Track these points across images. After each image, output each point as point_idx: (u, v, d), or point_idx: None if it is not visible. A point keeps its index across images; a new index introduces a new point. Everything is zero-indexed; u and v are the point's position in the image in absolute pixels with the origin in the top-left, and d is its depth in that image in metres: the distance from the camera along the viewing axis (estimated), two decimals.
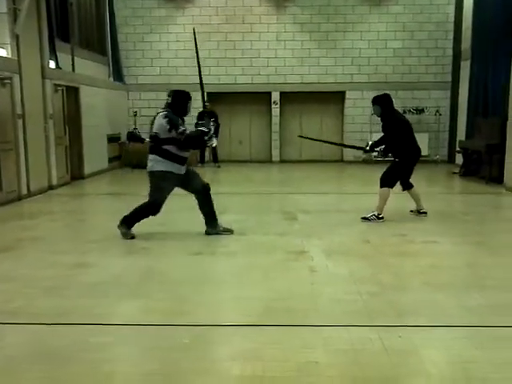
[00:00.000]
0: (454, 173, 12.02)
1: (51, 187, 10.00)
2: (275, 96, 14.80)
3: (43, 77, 9.79)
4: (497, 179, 9.99)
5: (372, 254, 5.37)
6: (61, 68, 10.70)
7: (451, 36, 14.27)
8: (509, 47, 9.61)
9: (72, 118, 11.24)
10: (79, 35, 12.28)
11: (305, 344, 3.27)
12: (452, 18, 14.21)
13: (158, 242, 5.96)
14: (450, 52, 14.37)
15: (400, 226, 6.62)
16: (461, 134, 12.93)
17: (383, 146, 6.88)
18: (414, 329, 3.49)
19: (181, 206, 8.27)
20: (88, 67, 12.34)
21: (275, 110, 14.94)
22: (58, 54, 10.55)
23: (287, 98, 14.93)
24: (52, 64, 10.32)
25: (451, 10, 14.22)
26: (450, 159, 14.18)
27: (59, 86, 10.50)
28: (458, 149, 12.37)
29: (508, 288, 4.30)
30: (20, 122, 8.95)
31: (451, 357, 3.12)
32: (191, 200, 8.81)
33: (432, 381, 2.83)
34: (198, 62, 6.31)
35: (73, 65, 11.39)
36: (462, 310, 3.83)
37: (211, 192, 6.25)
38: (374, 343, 3.26)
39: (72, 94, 11.28)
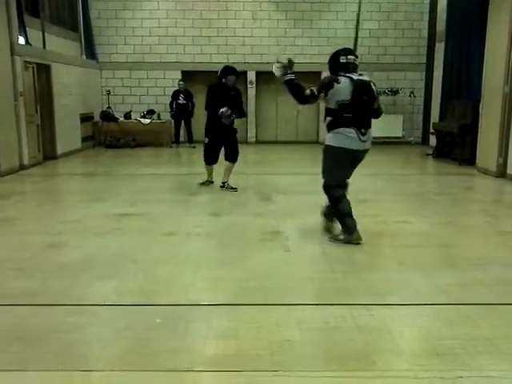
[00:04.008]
0: (428, 154, 12.17)
1: (23, 167, 9.81)
2: (251, 75, 14.69)
3: (12, 53, 9.51)
4: (469, 160, 10.15)
5: None
6: (31, 44, 10.41)
7: (427, 17, 14.31)
8: (482, 29, 9.69)
9: (44, 96, 11.00)
10: (50, 10, 11.95)
11: (279, 323, 3.31)
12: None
13: (130, 222, 5.92)
14: (425, 33, 14.42)
15: (373, 206, 6.69)
16: (435, 116, 13.07)
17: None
18: (386, 307, 3.56)
19: (150, 186, 8.24)
20: (59, 44, 12.04)
21: (251, 89, 14.85)
22: (27, 29, 10.25)
23: (263, 77, 14.84)
24: (21, 40, 10.03)
25: None
26: (424, 141, 14.33)
27: (29, 63, 10.24)
28: (431, 130, 12.51)
29: (477, 267, 4.40)
30: None
31: (421, 334, 3.20)
32: (160, 180, 8.79)
33: (403, 357, 2.89)
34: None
35: (43, 41, 11.09)
36: (432, 289, 3.92)
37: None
38: (347, 321, 3.32)
39: (43, 71, 11.01)
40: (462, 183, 8.71)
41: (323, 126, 5.13)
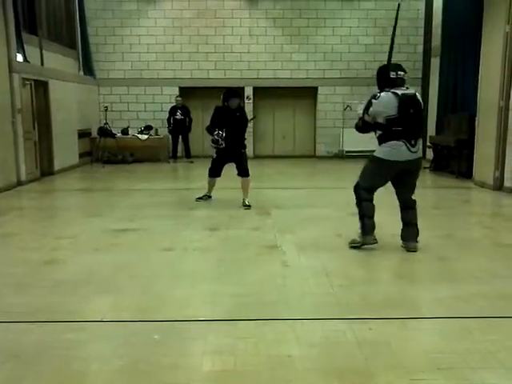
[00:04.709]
0: (425, 168, 12.18)
1: (20, 183, 9.80)
2: (248, 91, 14.76)
3: (10, 70, 9.55)
4: (466, 174, 10.17)
5: (344, 248, 5.41)
6: (29, 61, 10.46)
7: (422, 32, 14.45)
8: (477, 44, 9.77)
9: (41, 112, 11.02)
10: (47, 28, 12.03)
11: (277, 338, 3.28)
12: (422, 15, 14.40)
13: (127, 238, 5.90)
14: (420, 48, 14.55)
15: None
16: (431, 130, 13.12)
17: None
18: (385, 321, 3.54)
19: (148, 201, 8.22)
20: (57, 61, 12.10)
21: (248, 105, 14.90)
22: (25, 46, 10.30)
23: (260, 93, 14.93)
24: (19, 57, 10.08)
25: (422, 6, 14.40)
26: (421, 154, 14.35)
27: (27, 80, 10.28)
28: (428, 144, 12.55)
29: (476, 280, 4.38)
30: None
31: (421, 348, 3.18)
32: (157, 196, 8.78)
33: (403, 371, 2.86)
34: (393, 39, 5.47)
35: (41, 58, 11.14)
36: (432, 302, 3.90)
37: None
38: (346, 336, 3.29)
39: (41, 88, 11.05)
40: (459, 196, 8.73)
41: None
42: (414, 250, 5.18)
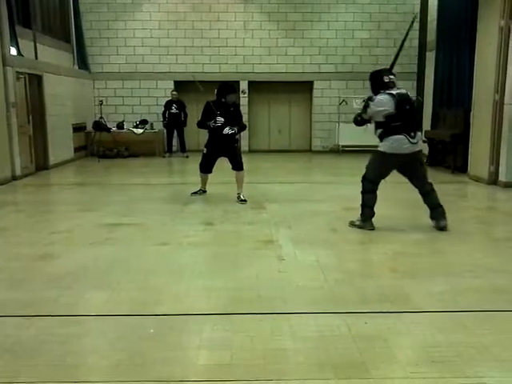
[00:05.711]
0: None
1: (15, 178, 9.76)
2: (243, 85, 14.74)
3: (4, 64, 9.49)
4: (461, 168, 10.20)
5: (339, 242, 5.42)
6: (23, 55, 10.41)
7: (417, 27, 14.41)
8: (472, 39, 9.78)
9: (35, 106, 10.97)
10: (42, 21, 11.95)
11: (273, 332, 3.29)
12: (418, 9, 14.35)
13: (122, 232, 5.89)
14: (416, 43, 14.51)
15: None
16: (427, 124, 13.12)
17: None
18: (379, 315, 3.54)
19: (143, 196, 8.22)
20: (51, 55, 12.04)
21: (243, 99, 14.88)
22: (19, 40, 10.24)
23: (255, 87, 14.90)
24: (13, 51, 10.02)
25: (417, 0, 14.36)
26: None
27: (21, 73, 10.22)
28: (423, 139, 12.54)
29: (471, 274, 4.40)
30: None
31: (416, 341, 3.19)
32: (152, 190, 8.77)
33: (398, 365, 2.88)
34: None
35: (35, 52, 11.09)
36: (427, 296, 3.91)
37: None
38: (340, 330, 3.30)
39: (35, 82, 10.99)
40: (454, 191, 8.74)
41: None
42: (445, 228, 5.70)
